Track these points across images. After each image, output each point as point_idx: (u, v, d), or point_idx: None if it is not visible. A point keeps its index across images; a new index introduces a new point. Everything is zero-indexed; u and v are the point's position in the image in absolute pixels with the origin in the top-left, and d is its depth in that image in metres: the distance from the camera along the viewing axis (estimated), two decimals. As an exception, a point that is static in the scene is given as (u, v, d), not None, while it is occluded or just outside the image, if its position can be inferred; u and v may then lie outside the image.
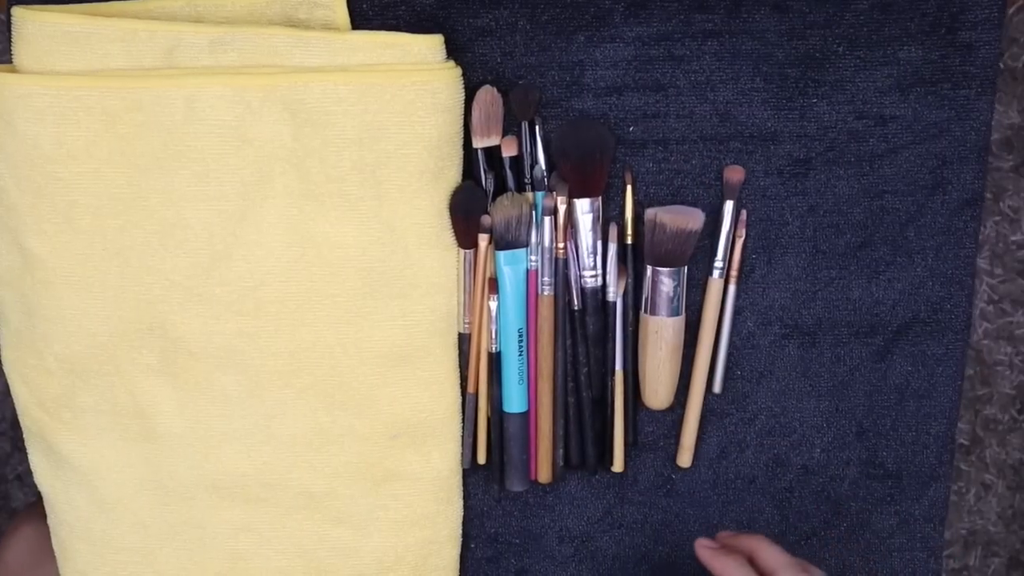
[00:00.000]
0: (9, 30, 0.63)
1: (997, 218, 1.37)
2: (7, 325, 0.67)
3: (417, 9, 0.66)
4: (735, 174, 0.68)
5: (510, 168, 0.67)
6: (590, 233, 0.67)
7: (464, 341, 0.69)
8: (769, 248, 0.70)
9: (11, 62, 0.63)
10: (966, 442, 1.42)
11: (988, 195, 1.32)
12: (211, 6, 0.63)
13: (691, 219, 0.67)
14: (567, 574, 0.75)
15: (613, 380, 0.70)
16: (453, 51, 0.65)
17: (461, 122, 0.64)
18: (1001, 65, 0.68)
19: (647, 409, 0.71)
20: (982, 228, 0.75)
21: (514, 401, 0.69)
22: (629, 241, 0.68)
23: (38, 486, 0.69)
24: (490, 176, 0.67)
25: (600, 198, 0.67)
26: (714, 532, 0.73)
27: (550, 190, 0.67)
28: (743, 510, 0.73)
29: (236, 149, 0.62)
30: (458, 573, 0.73)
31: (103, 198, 0.63)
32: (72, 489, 0.68)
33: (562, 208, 0.66)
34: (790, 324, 0.71)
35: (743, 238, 0.69)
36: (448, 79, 0.62)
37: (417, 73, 0.62)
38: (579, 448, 0.71)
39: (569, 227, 0.67)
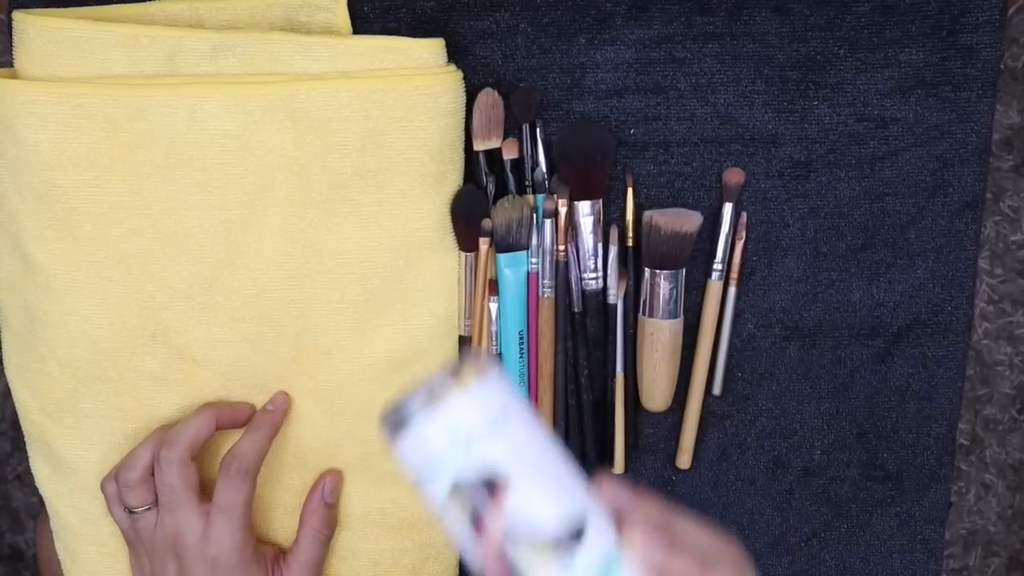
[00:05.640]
0: (10, 31, 0.63)
1: (997, 218, 1.37)
2: (10, 329, 0.67)
3: (418, 12, 0.66)
4: (734, 176, 0.68)
5: (511, 171, 0.67)
6: (591, 236, 0.67)
7: (465, 343, 0.69)
8: (770, 250, 0.70)
9: (11, 64, 0.63)
10: (966, 442, 1.42)
11: (988, 195, 1.32)
12: (212, 9, 0.63)
13: (686, 221, 0.67)
14: None
15: (613, 382, 0.70)
16: (454, 54, 0.65)
17: (463, 126, 0.64)
18: (1001, 65, 0.68)
19: (647, 411, 0.71)
20: (982, 229, 0.75)
21: (515, 403, 0.69)
22: (630, 244, 0.68)
23: (40, 491, 0.69)
24: (491, 179, 0.66)
25: (601, 201, 0.67)
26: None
27: (551, 193, 0.67)
28: (743, 512, 0.73)
29: (238, 159, 0.62)
30: None
31: (104, 206, 0.62)
32: (76, 494, 0.68)
33: (563, 211, 0.66)
34: (791, 326, 0.71)
35: (743, 240, 0.69)
36: (449, 83, 0.62)
37: (419, 77, 0.61)
38: (579, 450, 0.71)
39: (570, 230, 0.67)
